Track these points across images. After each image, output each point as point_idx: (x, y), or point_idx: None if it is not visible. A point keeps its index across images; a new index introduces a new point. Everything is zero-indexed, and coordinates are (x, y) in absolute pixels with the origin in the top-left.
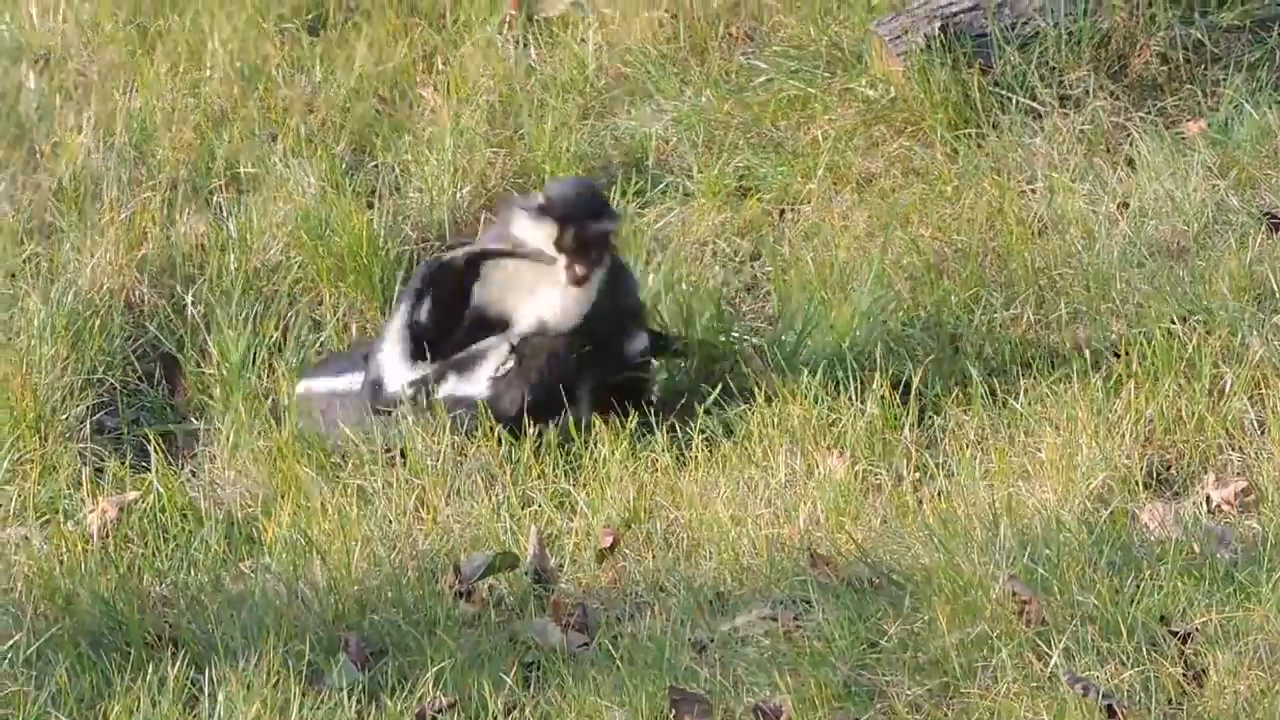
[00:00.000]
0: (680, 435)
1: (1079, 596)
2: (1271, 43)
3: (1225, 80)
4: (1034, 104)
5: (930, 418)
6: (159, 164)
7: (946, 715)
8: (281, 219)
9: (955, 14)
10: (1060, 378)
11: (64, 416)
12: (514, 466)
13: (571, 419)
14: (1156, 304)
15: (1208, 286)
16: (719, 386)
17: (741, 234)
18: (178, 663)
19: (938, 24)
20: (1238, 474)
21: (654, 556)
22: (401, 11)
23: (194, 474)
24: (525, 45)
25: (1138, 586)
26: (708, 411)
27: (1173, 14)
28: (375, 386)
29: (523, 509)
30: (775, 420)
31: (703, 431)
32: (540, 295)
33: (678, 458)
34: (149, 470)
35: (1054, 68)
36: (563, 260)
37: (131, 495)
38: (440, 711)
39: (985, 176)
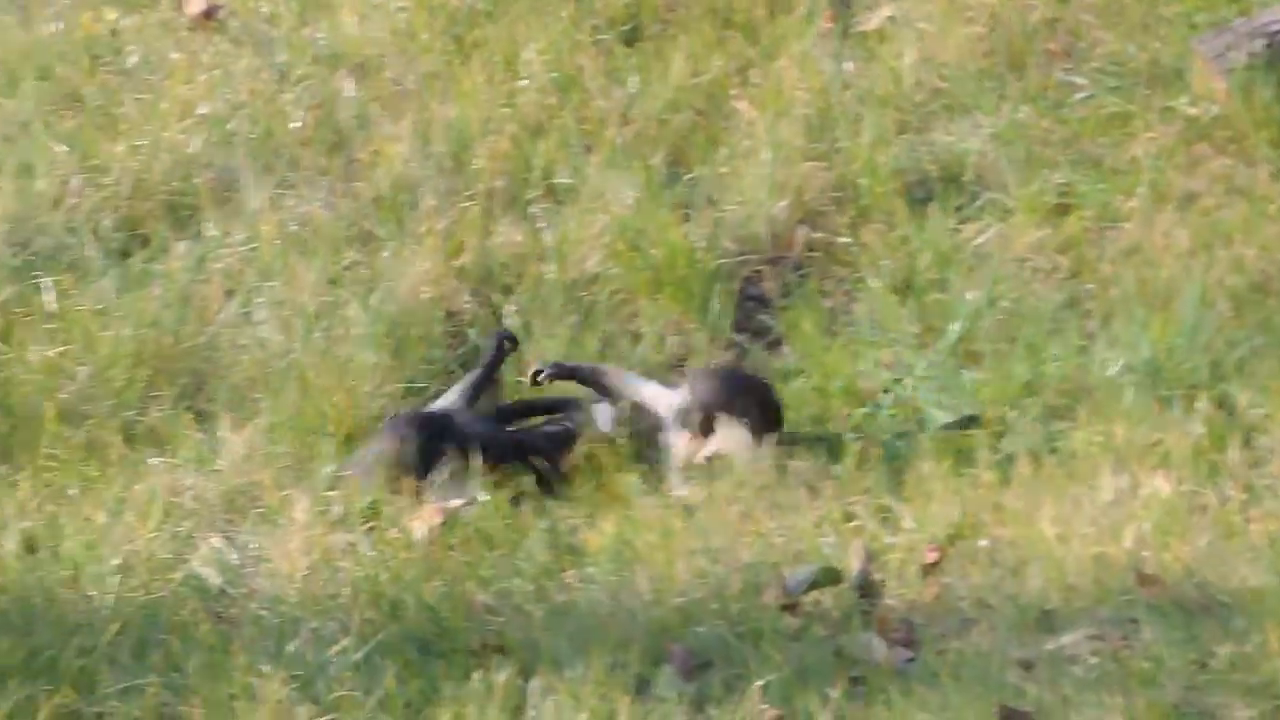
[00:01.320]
0: (1003, 452)
1: None
2: None
3: None
4: None
5: (1256, 437)
6: (475, 173)
7: None
8: (598, 230)
9: (1278, 32)
10: None
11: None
12: (836, 481)
13: None
14: None
15: None
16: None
17: (1061, 251)
18: (504, 670)
19: (1261, 41)
20: None
21: (979, 573)
22: (717, 24)
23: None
24: (841, 58)
25: None
26: (1030, 428)
27: None
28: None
29: (845, 523)
30: (1099, 438)
31: (1027, 449)
32: None
33: (1001, 474)
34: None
35: None
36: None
37: (456, 503)
38: None
39: None
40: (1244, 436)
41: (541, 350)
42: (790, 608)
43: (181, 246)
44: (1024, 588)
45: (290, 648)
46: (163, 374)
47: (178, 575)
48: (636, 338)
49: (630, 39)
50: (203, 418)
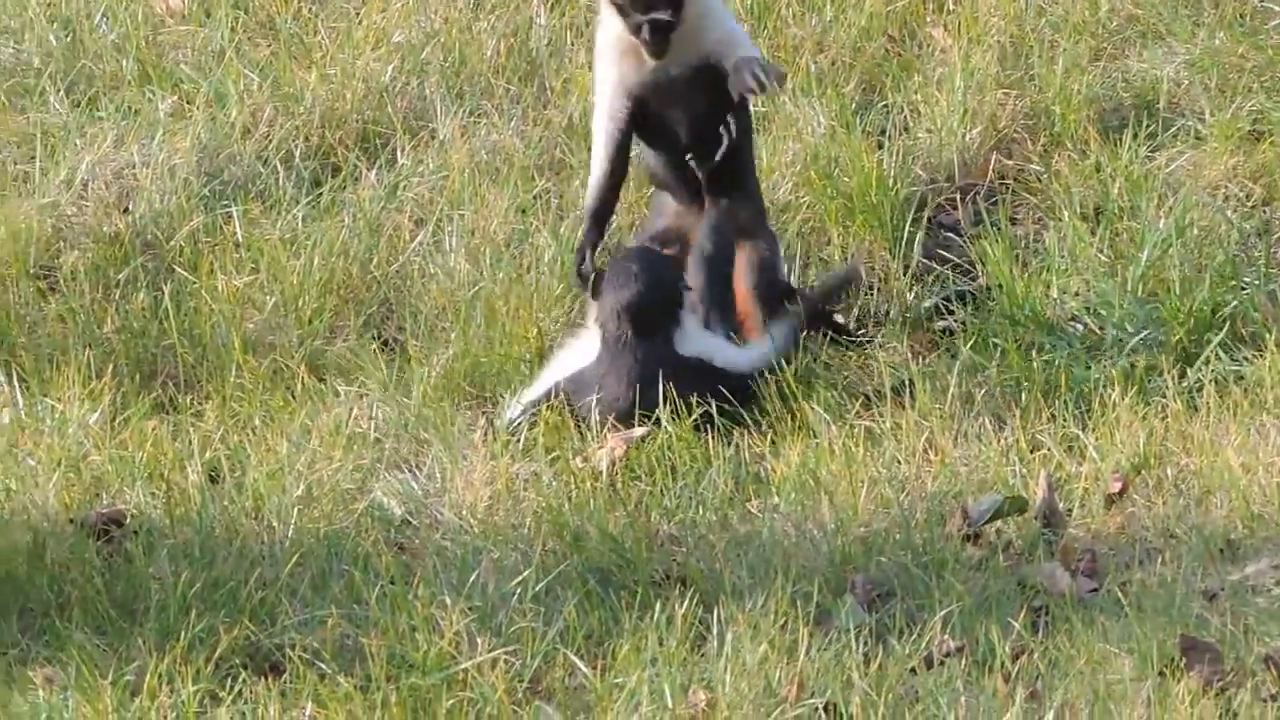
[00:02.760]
0: (1190, 380)
1: None
2: None
3: None
4: None
5: None
6: None
7: None
8: (790, 158)
9: None
10: None
11: None
12: (1022, 410)
13: None
14: None
15: None
16: (1224, 329)
17: (1254, 178)
18: (685, 601)
19: None
20: None
21: (1164, 503)
22: None
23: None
24: None
25: None
26: (1216, 357)
27: None
28: None
29: (1031, 453)
30: None
31: (1214, 378)
32: None
33: (1188, 403)
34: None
35: None
36: None
37: (639, 431)
38: (948, 655)
39: None
40: None
41: None
42: (973, 537)
43: (372, 175)
44: (1208, 517)
45: (471, 579)
46: (350, 303)
47: (360, 506)
48: (827, 264)
49: None
50: (389, 347)
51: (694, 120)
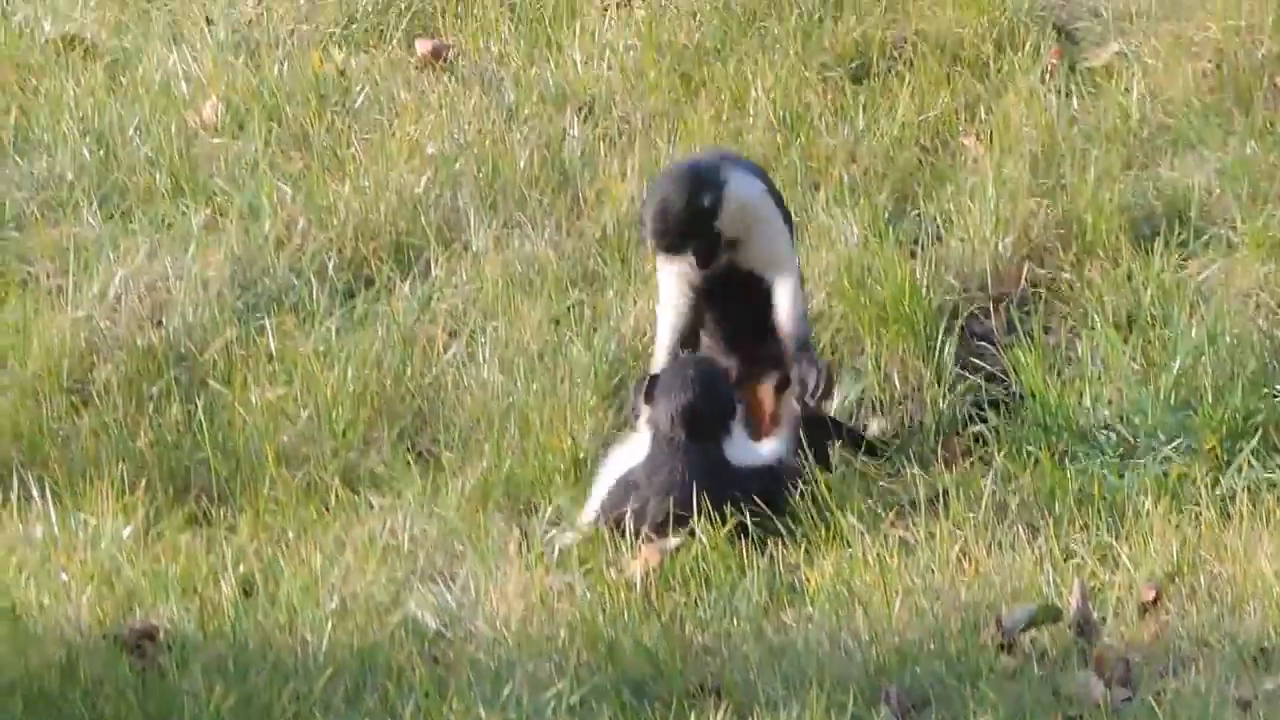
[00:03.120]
0: (1223, 488)
1: None
2: None
3: None
4: None
5: None
6: None
7: None
8: (824, 268)
9: None
10: None
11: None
12: (1056, 518)
13: None
14: None
15: None
16: (1257, 436)
17: None
18: (720, 712)
19: None
20: None
21: (1197, 611)
22: (944, 60)
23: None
24: (1068, 95)
25: None
26: (1249, 464)
27: None
28: None
29: (1065, 561)
30: None
31: (1247, 485)
32: None
33: (1221, 511)
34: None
35: None
36: None
37: (674, 542)
38: None
39: None
40: None
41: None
42: (1008, 647)
43: (406, 287)
44: (1242, 626)
45: (506, 691)
46: (384, 415)
47: (394, 618)
48: (859, 374)
49: (858, 76)
50: (423, 459)
51: (750, 311)
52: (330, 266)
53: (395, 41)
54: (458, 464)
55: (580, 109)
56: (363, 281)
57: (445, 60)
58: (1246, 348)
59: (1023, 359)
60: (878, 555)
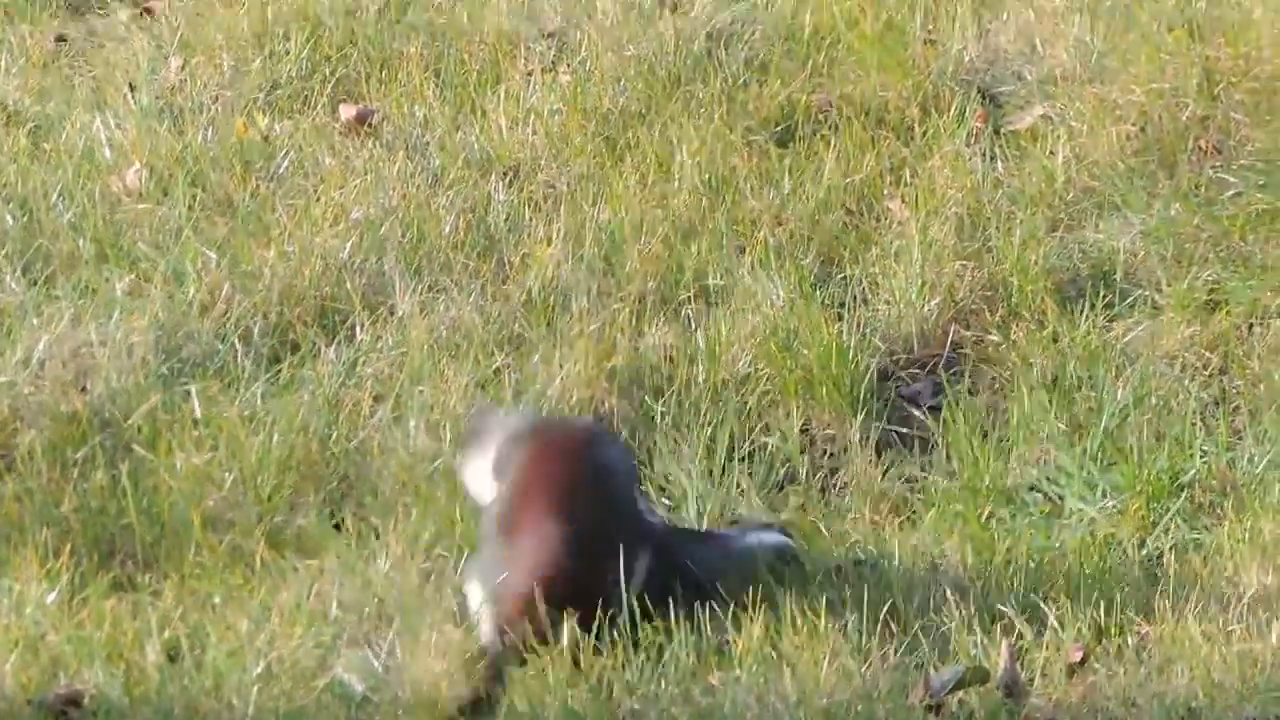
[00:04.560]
0: (1150, 549)
1: None
2: None
3: None
4: None
5: None
6: (627, 276)
7: None
8: (750, 331)
9: None
10: None
11: None
12: (984, 581)
13: None
14: None
15: None
16: (1184, 497)
17: (1211, 348)
18: None
19: None
20: None
21: (1124, 672)
22: (869, 124)
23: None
24: (993, 158)
25: None
26: (1175, 525)
27: None
28: None
29: (992, 622)
30: (1245, 535)
31: (1173, 546)
32: None
33: (1147, 571)
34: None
35: None
36: None
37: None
38: None
39: None
40: None
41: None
42: (936, 708)
43: (331, 352)
44: (1170, 686)
45: None
46: (310, 480)
47: (320, 683)
48: (785, 438)
49: (783, 140)
50: (350, 524)
51: None
52: (255, 331)
53: (320, 107)
54: (385, 528)
55: (505, 174)
56: (288, 347)
57: (370, 125)
58: (1172, 409)
59: (950, 420)
60: (806, 617)
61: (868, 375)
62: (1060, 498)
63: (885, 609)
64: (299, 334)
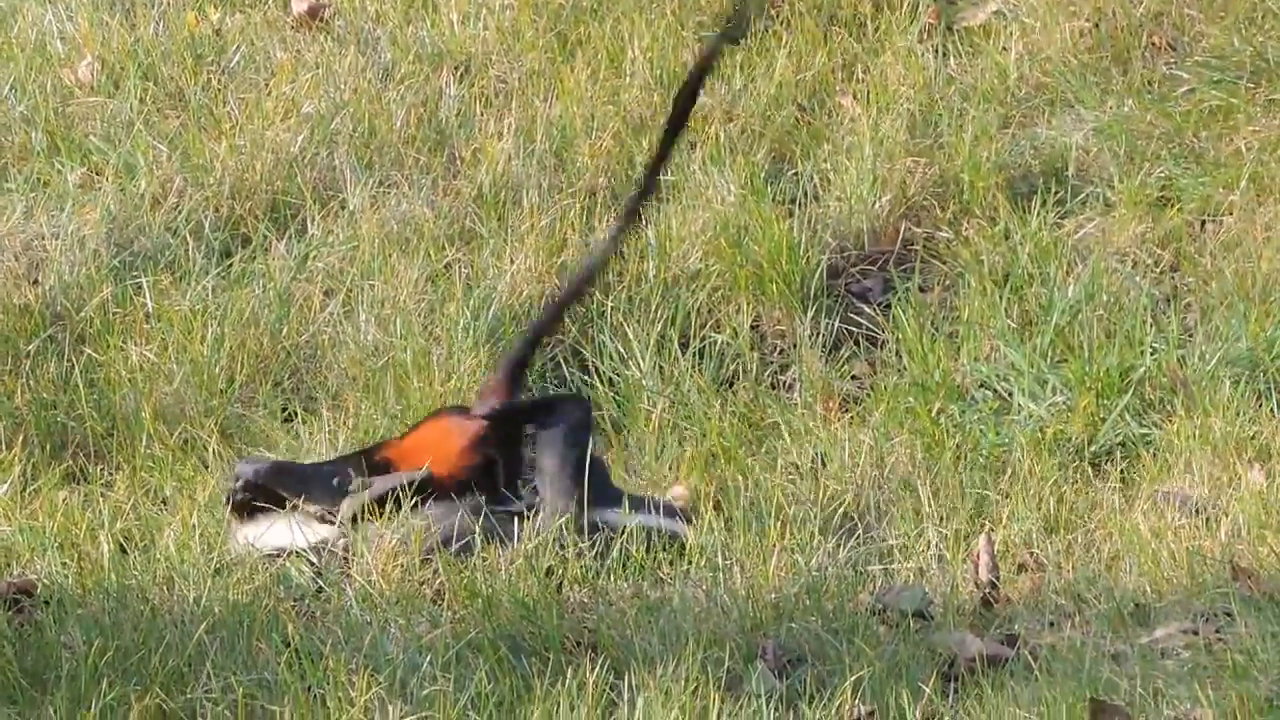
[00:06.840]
0: (1099, 445)
1: None
2: None
3: None
4: None
5: None
6: (578, 171)
7: None
8: (700, 227)
9: None
10: None
11: None
12: (934, 475)
13: None
14: None
15: None
16: (1132, 394)
17: (1162, 245)
18: (597, 668)
19: None
20: None
21: (1073, 568)
22: (821, 20)
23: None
24: (945, 54)
25: None
26: (1124, 421)
27: None
28: None
29: (942, 521)
30: (1195, 432)
31: (1122, 442)
32: None
33: (1096, 468)
34: None
35: None
36: None
37: None
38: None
39: None
40: None
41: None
42: (884, 606)
43: (282, 246)
44: (1117, 582)
45: (382, 645)
46: (261, 373)
47: (270, 574)
48: (736, 334)
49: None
50: (300, 416)
51: None
52: (206, 225)
53: (271, 1)
54: (334, 421)
55: (457, 68)
56: (239, 240)
57: (322, 19)
58: (1123, 306)
59: (900, 317)
60: (755, 513)
61: (818, 272)
62: (1010, 394)
63: (836, 506)
64: (250, 228)
